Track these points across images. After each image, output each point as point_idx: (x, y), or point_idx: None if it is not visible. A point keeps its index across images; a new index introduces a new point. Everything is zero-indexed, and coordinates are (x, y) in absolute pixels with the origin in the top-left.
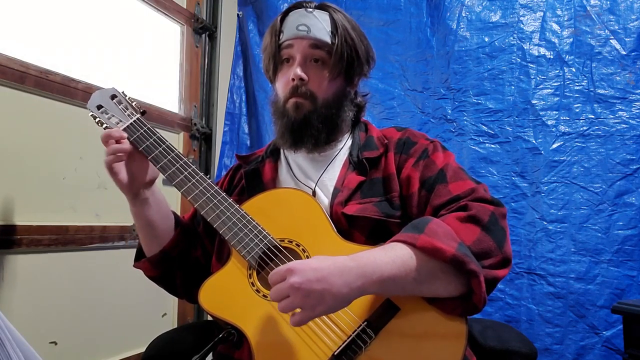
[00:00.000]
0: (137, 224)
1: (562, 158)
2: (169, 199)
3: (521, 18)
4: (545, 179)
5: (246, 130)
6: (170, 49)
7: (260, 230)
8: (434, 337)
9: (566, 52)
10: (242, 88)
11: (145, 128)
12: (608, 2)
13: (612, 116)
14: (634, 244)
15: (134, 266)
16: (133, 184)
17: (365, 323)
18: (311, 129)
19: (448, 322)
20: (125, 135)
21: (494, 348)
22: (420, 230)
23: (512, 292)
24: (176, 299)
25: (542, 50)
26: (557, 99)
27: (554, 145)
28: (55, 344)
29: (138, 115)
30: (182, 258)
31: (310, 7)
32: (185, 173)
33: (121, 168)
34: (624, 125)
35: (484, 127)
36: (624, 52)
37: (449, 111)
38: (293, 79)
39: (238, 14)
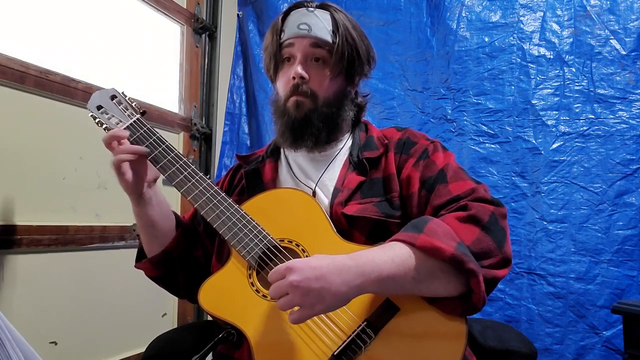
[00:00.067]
0: (139, 224)
1: (562, 158)
2: (169, 199)
3: (521, 18)
4: (545, 179)
5: (246, 130)
6: (170, 49)
7: (260, 230)
8: (433, 337)
9: (566, 52)
10: (242, 88)
11: (145, 128)
12: (608, 2)
13: (612, 116)
14: (634, 244)
15: (135, 267)
16: (138, 184)
17: (365, 323)
18: (311, 127)
19: (448, 322)
20: (127, 134)
21: (494, 348)
22: (420, 229)
23: (512, 292)
24: (176, 299)
25: (542, 50)
26: (557, 99)
27: (554, 145)
28: (55, 344)
29: (138, 116)
30: (183, 258)
31: (311, 7)
32: (185, 173)
33: (127, 168)
34: (624, 125)
35: (484, 127)
36: (624, 52)
37: (449, 111)
38: (294, 78)
39: (238, 14)
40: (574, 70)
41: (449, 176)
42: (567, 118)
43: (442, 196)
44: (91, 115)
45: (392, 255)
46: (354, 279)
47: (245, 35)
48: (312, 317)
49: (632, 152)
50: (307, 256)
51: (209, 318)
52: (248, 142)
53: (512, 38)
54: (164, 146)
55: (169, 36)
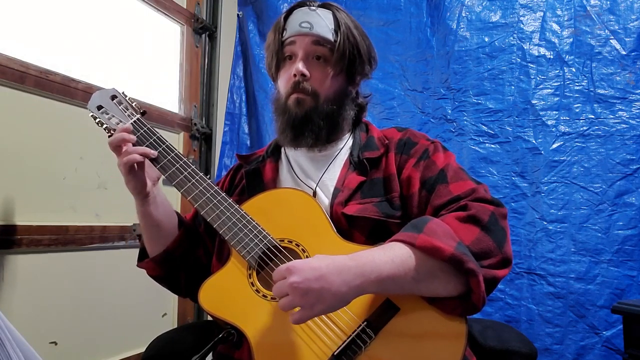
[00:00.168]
0: (143, 224)
1: (562, 158)
2: (169, 199)
3: (521, 18)
4: (545, 179)
5: (246, 130)
6: (170, 49)
7: (260, 230)
8: (433, 337)
9: (566, 52)
10: (242, 88)
11: (146, 128)
12: (608, 2)
13: (612, 116)
14: (634, 244)
15: (138, 266)
16: (144, 184)
17: (365, 323)
18: (312, 124)
19: (448, 322)
20: (135, 138)
21: (494, 348)
22: (420, 229)
23: (512, 292)
24: (176, 299)
25: (542, 50)
26: (557, 99)
27: (554, 145)
28: (55, 344)
29: (138, 116)
30: (185, 258)
31: (313, 6)
32: (185, 173)
33: (135, 169)
34: (624, 125)
35: (484, 127)
36: (624, 52)
37: (449, 111)
38: (295, 75)
39: (238, 14)
40: (574, 70)
41: (450, 176)
42: (567, 118)
43: (442, 196)
44: (91, 115)
45: (392, 256)
46: (353, 279)
47: (245, 35)
48: (312, 317)
49: (632, 152)
50: (307, 256)
51: (209, 318)
52: (248, 142)
53: (512, 38)
54: (164, 146)
55: (169, 36)
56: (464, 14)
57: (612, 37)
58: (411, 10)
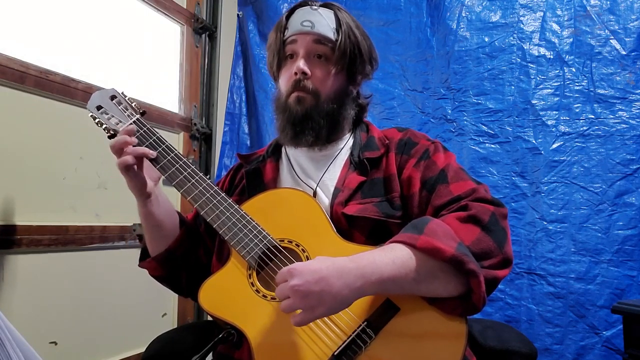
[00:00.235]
0: (145, 224)
1: (562, 158)
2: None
3: (521, 18)
4: (545, 179)
5: (246, 130)
6: (170, 49)
7: (260, 230)
8: (433, 337)
9: (566, 52)
10: (242, 88)
11: (145, 128)
12: (608, 2)
13: (612, 116)
14: (634, 244)
15: (139, 266)
16: (145, 185)
17: (365, 323)
18: (312, 122)
19: (448, 322)
20: (136, 140)
21: (494, 348)
22: (420, 230)
23: (512, 292)
24: (176, 299)
25: (542, 50)
26: (557, 99)
27: (554, 145)
28: (55, 344)
29: (138, 116)
30: (187, 257)
31: (315, 5)
32: (185, 173)
33: (135, 170)
34: (624, 125)
35: (484, 127)
36: (624, 52)
37: (449, 111)
38: (296, 73)
39: (238, 14)
40: (574, 70)
41: (450, 176)
42: (567, 118)
43: (442, 196)
44: (91, 116)
45: (393, 257)
46: (354, 281)
47: (245, 35)
48: (314, 320)
49: (632, 152)
50: (307, 256)
51: (209, 318)
52: (248, 142)
53: (512, 38)
54: (164, 146)
55: (169, 36)
56: (464, 14)
57: (612, 37)
58: (411, 10)
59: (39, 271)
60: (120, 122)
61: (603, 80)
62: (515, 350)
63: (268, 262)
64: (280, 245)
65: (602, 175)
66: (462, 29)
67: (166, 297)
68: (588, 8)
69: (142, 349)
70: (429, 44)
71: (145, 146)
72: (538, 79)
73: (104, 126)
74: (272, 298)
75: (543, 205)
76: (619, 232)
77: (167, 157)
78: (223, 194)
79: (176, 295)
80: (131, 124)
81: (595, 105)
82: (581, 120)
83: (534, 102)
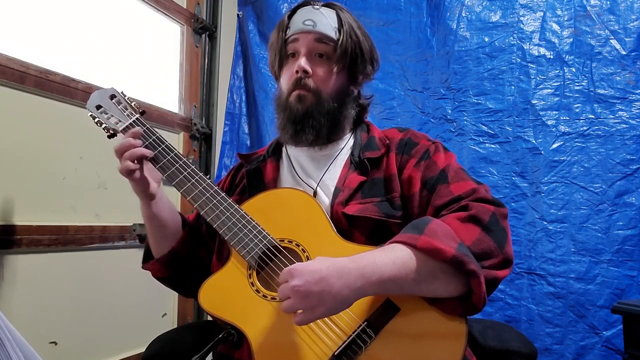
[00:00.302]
0: (149, 225)
1: (562, 158)
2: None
3: (521, 18)
4: (545, 179)
5: (246, 130)
6: (170, 49)
7: (260, 230)
8: (433, 337)
9: (566, 52)
10: (242, 88)
11: (145, 128)
12: (608, 2)
13: (612, 116)
14: (634, 244)
15: (143, 268)
16: (147, 185)
17: (365, 323)
18: (313, 120)
19: (448, 322)
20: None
21: (494, 348)
22: (421, 230)
23: (512, 292)
24: (176, 299)
25: (542, 50)
26: (557, 99)
27: (554, 145)
28: (55, 344)
29: (137, 115)
30: (190, 258)
31: (317, 5)
32: (185, 173)
33: (138, 172)
34: (624, 125)
35: (484, 127)
36: (624, 52)
37: (449, 111)
38: (297, 72)
39: (238, 14)
40: (574, 70)
41: (450, 176)
42: (567, 118)
43: (443, 196)
44: (90, 115)
45: (393, 257)
46: (354, 281)
47: (245, 35)
48: (314, 320)
49: (632, 152)
50: (307, 256)
51: (209, 318)
52: (248, 142)
53: (512, 38)
54: (163, 146)
55: (169, 36)
56: (464, 14)
57: (612, 37)
58: (411, 10)
59: (39, 271)
60: (120, 121)
61: (603, 80)
62: (515, 350)
63: (268, 262)
64: (280, 245)
65: (602, 175)
66: (462, 29)
67: (166, 297)
68: (588, 8)
69: (142, 349)
70: (429, 44)
71: (145, 146)
72: (538, 79)
73: (103, 126)
74: (272, 298)
75: (543, 205)
76: (619, 232)
77: (166, 156)
78: (223, 194)
79: (176, 295)
80: (135, 125)
81: (595, 105)
82: (581, 120)
83: (534, 102)
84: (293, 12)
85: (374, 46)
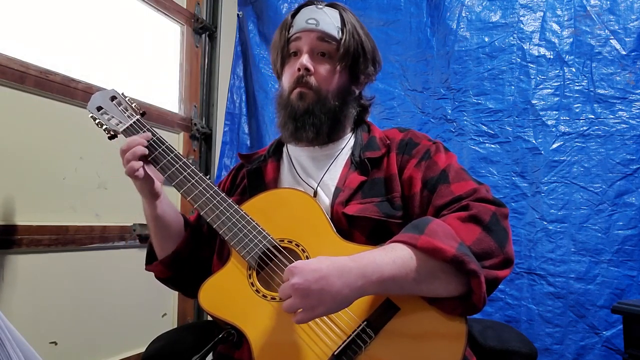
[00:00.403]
0: (154, 226)
1: (562, 158)
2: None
3: (521, 18)
4: (545, 179)
5: (246, 130)
6: (170, 49)
7: (260, 230)
8: (433, 337)
9: (566, 52)
10: (242, 88)
11: (145, 129)
12: (608, 2)
13: (612, 116)
14: (634, 244)
15: (146, 269)
16: (152, 183)
17: (365, 323)
18: (314, 118)
19: (448, 322)
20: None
21: (494, 348)
22: (421, 230)
23: (512, 292)
24: (176, 299)
25: (542, 50)
26: (557, 99)
27: (554, 145)
28: (55, 344)
29: (138, 117)
30: (192, 258)
31: (320, 5)
32: (185, 173)
33: (142, 171)
34: (624, 125)
35: (484, 127)
36: (624, 52)
37: (449, 111)
38: (299, 69)
39: (238, 14)
40: (574, 70)
41: (451, 176)
42: (567, 118)
43: (444, 196)
44: (91, 116)
45: (394, 257)
46: (355, 280)
47: (245, 35)
48: (313, 319)
49: (632, 152)
50: (307, 256)
51: (209, 318)
52: (248, 142)
53: (512, 38)
54: (163, 147)
55: (169, 36)
56: (464, 14)
57: (612, 37)
58: (411, 10)
59: (39, 271)
60: (121, 122)
61: (603, 80)
62: (515, 350)
63: (268, 262)
64: (280, 245)
65: (602, 175)
66: (462, 29)
67: (166, 297)
68: (588, 8)
69: (142, 349)
70: (429, 44)
71: (145, 147)
72: (538, 79)
73: (104, 127)
74: (272, 298)
75: (543, 205)
76: (619, 232)
77: (167, 157)
78: (223, 194)
79: (176, 295)
80: (135, 126)
81: (595, 105)
82: (581, 120)
83: (534, 102)
84: (296, 11)
85: (376, 48)
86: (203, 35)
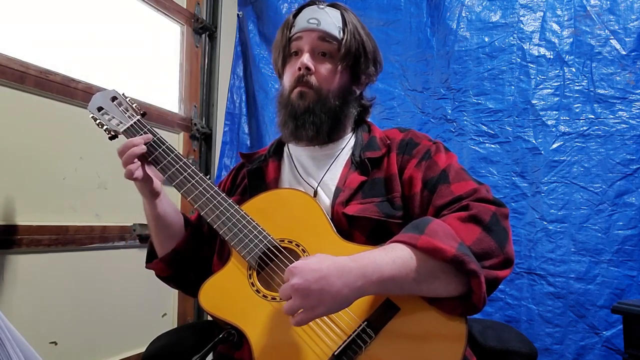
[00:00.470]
0: (154, 225)
1: (562, 158)
2: None
3: (521, 18)
4: (545, 179)
5: (246, 130)
6: (170, 49)
7: (260, 230)
8: (434, 337)
9: (566, 52)
10: (242, 88)
11: (146, 129)
12: (608, 2)
13: (612, 116)
14: (634, 244)
15: (147, 267)
16: (151, 182)
17: (365, 323)
18: (314, 116)
19: (448, 322)
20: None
21: (494, 348)
22: (421, 230)
23: (512, 292)
24: (176, 299)
25: (542, 50)
26: (557, 99)
27: (554, 145)
28: (55, 344)
29: (138, 117)
30: (193, 257)
31: (322, 5)
32: (185, 174)
33: (141, 171)
34: (624, 125)
35: (484, 127)
36: (624, 52)
37: (449, 111)
38: (299, 68)
39: (238, 14)
40: (574, 70)
41: (451, 177)
42: (567, 118)
43: (444, 196)
44: (92, 117)
45: (394, 257)
46: (355, 280)
47: (245, 35)
48: (313, 319)
49: (632, 152)
50: (307, 256)
51: (209, 318)
52: (248, 142)
53: (512, 38)
54: (164, 147)
55: (169, 36)
56: (464, 14)
57: (612, 37)
58: (411, 10)
59: (39, 271)
60: (121, 123)
61: (603, 80)
62: (515, 350)
63: (268, 262)
64: (280, 246)
65: (602, 175)
66: (462, 29)
67: (166, 297)
68: (588, 8)
69: (142, 349)
70: (429, 44)
71: (144, 147)
72: (538, 79)
73: (104, 127)
74: (272, 298)
75: (543, 205)
76: (619, 232)
77: (167, 157)
78: (223, 195)
79: (176, 296)
80: (136, 126)
81: (595, 105)
82: (581, 120)
83: (534, 102)
84: (298, 11)
85: (378, 48)
86: (203, 35)
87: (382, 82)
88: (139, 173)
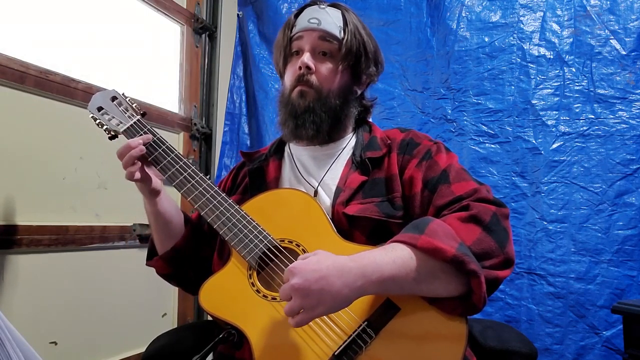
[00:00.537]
0: (155, 223)
1: (562, 158)
2: None
3: (521, 18)
4: (545, 179)
5: (246, 130)
6: (170, 49)
7: (260, 230)
8: (434, 337)
9: (566, 52)
10: (242, 88)
11: (146, 129)
12: (608, 2)
13: (612, 116)
14: (634, 244)
15: (147, 264)
16: (150, 182)
17: (366, 323)
18: (314, 115)
19: (448, 322)
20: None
21: (494, 348)
22: (421, 230)
23: (512, 292)
24: (176, 299)
25: (542, 50)
26: (557, 99)
27: (554, 145)
28: (55, 344)
29: (138, 117)
30: (193, 255)
31: (323, 5)
32: (185, 174)
33: (140, 172)
34: (624, 125)
35: (484, 127)
36: (624, 52)
37: (449, 111)
38: (300, 68)
39: (238, 14)
40: (574, 70)
41: (452, 177)
42: (567, 118)
43: (444, 196)
44: (92, 117)
45: (394, 257)
46: (355, 280)
47: (245, 35)
48: (313, 319)
49: (632, 152)
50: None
51: (209, 318)
52: (248, 142)
53: (512, 38)
54: (164, 147)
55: (169, 36)
56: (464, 14)
57: (612, 37)
58: (411, 10)
59: (39, 271)
60: (121, 123)
61: (603, 80)
62: (515, 350)
63: (268, 262)
64: (280, 246)
65: (602, 175)
66: (462, 29)
67: (166, 297)
68: (588, 8)
69: (142, 349)
70: (429, 44)
71: (146, 147)
72: (538, 79)
73: (104, 127)
74: (272, 298)
75: (543, 205)
76: (619, 232)
77: (167, 158)
78: (223, 195)
79: (176, 295)
80: (136, 126)
81: (595, 105)
82: (581, 120)
83: (534, 102)
84: (299, 11)
85: (379, 48)
86: (203, 35)
87: (382, 82)
88: (139, 174)
